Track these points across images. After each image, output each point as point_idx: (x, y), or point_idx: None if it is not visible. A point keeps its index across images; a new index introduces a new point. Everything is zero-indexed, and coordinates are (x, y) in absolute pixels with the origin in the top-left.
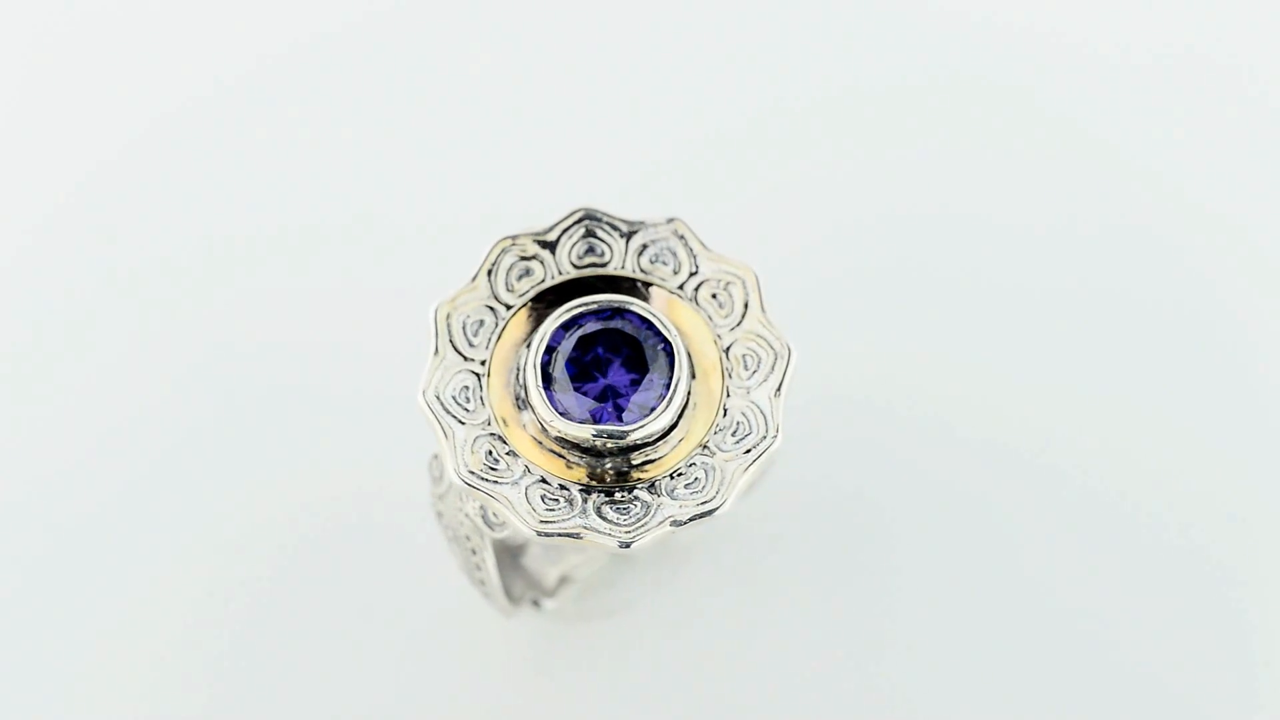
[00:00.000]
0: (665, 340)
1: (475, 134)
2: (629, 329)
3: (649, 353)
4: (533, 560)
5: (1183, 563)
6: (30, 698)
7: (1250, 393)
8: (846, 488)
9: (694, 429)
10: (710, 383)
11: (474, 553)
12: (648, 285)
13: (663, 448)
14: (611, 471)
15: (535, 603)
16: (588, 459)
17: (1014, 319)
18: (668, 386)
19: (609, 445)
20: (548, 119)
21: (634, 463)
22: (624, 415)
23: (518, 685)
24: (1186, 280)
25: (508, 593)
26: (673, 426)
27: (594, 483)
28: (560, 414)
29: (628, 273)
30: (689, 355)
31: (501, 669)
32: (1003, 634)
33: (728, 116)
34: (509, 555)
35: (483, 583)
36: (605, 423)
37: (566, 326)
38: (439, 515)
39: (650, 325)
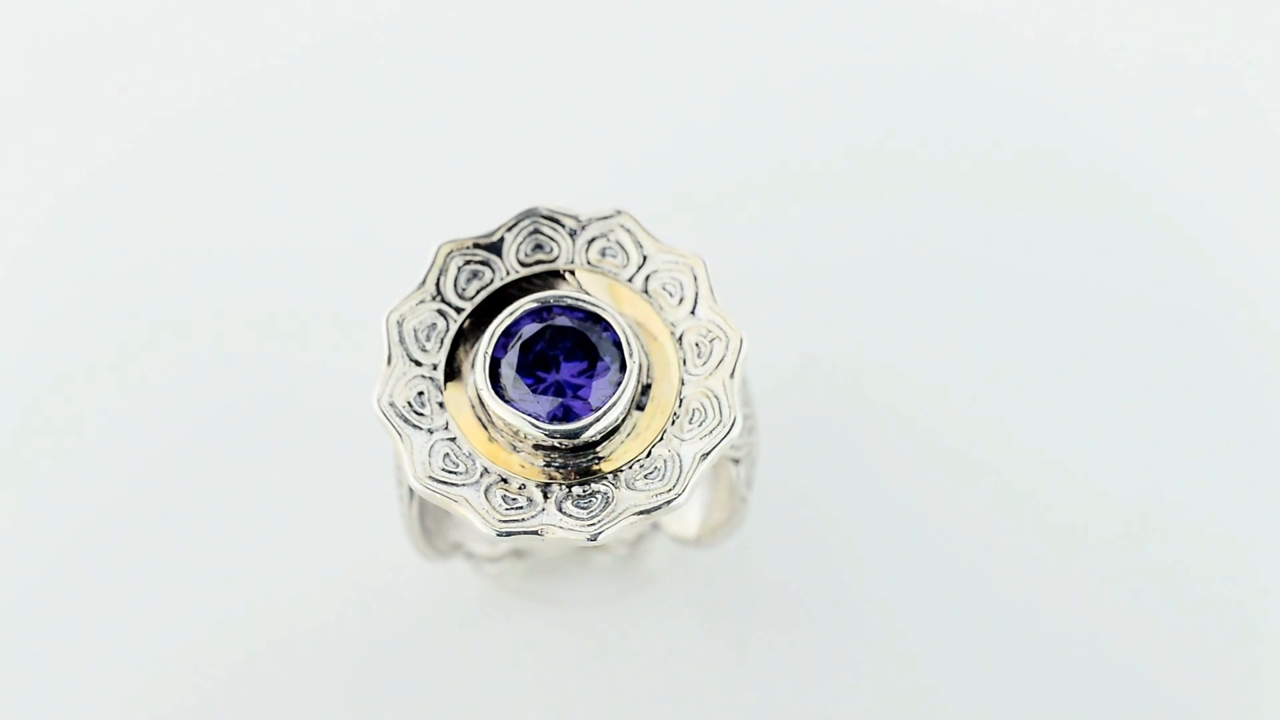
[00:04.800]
0: (624, 362)
1: (472, 137)
2: (595, 339)
3: (601, 367)
4: None
5: (1178, 564)
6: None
7: (1248, 397)
8: (824, 507)
9: (619, 454)
10: (656, 420)
11: (401, 484)
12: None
13: (580, 459)
14: (528, 463)
15: (470, 557)
16: (506, 439)
17: (1004, 322)
18: (603, 403)
19: (524, 434)
20: (532, 121)
21: (546, 462)
22: (557, 414)
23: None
24: (1174, 276)
25: (434, 542)
26: (596, 444)
27: (501, 466)
28: (494, 388)
29: (576, 266)
30: (641, 387)
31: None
32: (988, 650)
33: (696, 114)
34: None
35: (404, 517)
36: (526, 410)
37: (545, 311)
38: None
39: (619, 345)
